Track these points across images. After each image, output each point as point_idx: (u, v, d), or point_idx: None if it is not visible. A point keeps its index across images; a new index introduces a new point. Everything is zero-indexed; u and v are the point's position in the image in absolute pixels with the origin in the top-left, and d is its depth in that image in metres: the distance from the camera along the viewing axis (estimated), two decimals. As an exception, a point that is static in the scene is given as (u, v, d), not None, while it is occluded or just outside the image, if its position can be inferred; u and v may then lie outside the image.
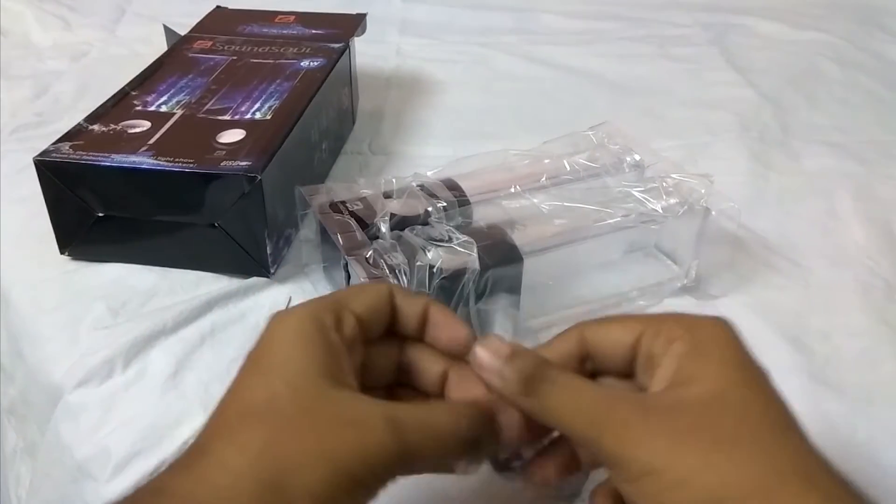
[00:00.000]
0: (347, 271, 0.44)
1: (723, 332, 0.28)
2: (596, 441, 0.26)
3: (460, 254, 0.41)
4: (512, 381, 0.27)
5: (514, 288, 0.43)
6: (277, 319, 0.28)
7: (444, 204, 0.46)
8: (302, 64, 0.60)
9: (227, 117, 0.52)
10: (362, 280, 0.40)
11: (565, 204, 0.47)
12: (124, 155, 0.48)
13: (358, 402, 0.26)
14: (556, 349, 0.30)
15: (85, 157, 0.47)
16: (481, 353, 0.28)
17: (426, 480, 0.37)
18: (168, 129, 0.51)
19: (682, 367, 0.26)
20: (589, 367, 0.30)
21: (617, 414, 0.26)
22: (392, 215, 0.44)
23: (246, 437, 0.24)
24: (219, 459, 0.24)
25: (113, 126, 0.51)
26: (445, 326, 0.30)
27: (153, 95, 0.55)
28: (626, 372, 0.29)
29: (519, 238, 0.44)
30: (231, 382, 0.27)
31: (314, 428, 0.24)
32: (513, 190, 0.49)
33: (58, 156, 0.48)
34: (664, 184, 0.48)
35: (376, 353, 0.30)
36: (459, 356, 0.30)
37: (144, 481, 0.24)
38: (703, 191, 0.48)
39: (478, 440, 0.27)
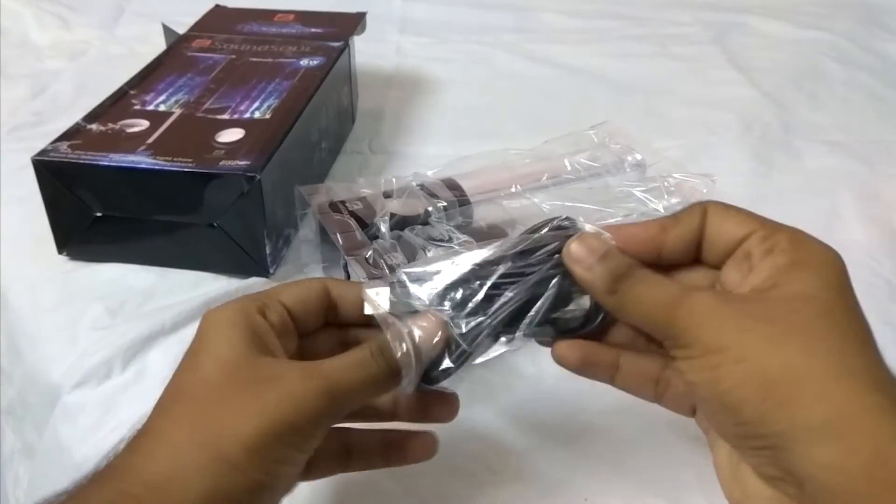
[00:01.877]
0: (347, 271, 0.44)
1: (829, 255, 0.27)
2: (667, 325, 0.27)
3: (460, 254, 0.41)
4: (600, 278, 0.28)
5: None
6: (208, 314, 0.29)
7: (445, 204, 0.46)
8: (301, 63, 0.60)
9: (225, 116, 0.52)
10: (362, 280, 0.40)
11: (566, 203, 0.47)
12: (122, 154, 0.47)
13: (281, 362, 0.28)
14: (681, 223, 0.30)
15: (83, 157, 0.47)
16: (576, 248, 0.29)
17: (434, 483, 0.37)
18: (167, 129, 0.51)
19: (773, 276, 0.26)
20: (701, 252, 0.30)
21: (689, 300, 0.27)
22: (392, 215, 0.44)
23: (180, 411, 0.27)
24: (159, 436, 0.26)
25: (111, 125, 0.51)
26: None
27: (152, 94, 0.55)
28: (718, 262, 0.29)
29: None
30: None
31: (240, 389, 0.26)
32: (513, 189, 0.49)
33: (56, 155, 0.48)
34: (666, 183, 0.48)
35: (321, 343, 0.32)
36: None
37: (97, 465, 0.26)
38: (704, 190, 0.47)
39: (392, 364, 0.28)
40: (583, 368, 0.31)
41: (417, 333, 0.28)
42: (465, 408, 0.41)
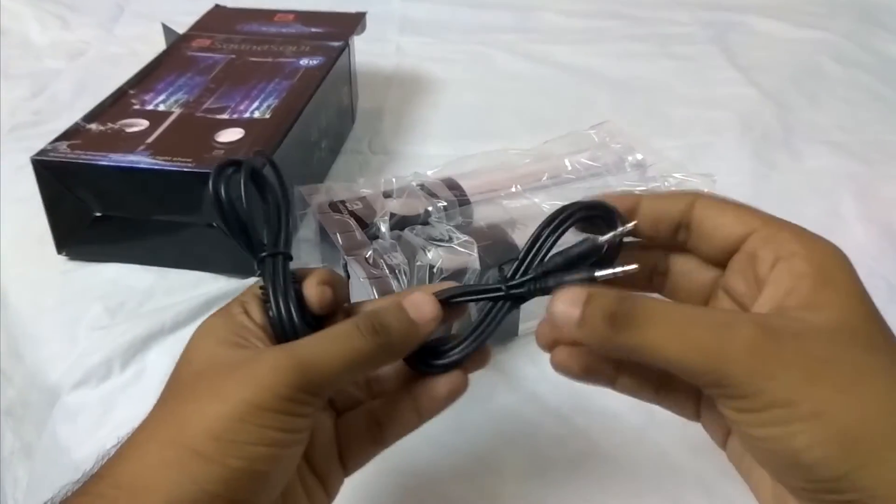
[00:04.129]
0: (347, 271, 0.44)
1: (844, 262, 0.26)
2: (717, 373, 0.23)
3: (460, 254, 0.41)
4: (595, 323, 0.24)
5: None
6: (199, 326, 0.29)
7: (445, 203, 0.46)
8: (301, 62, 0.60)
9: (225, 116, 0.52)
10: (361, 280, 0.40)
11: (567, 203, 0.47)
12: (122, 154, 0.47)
13: (252, 350, 0.27)
14: (662, 205, 0.28)
15: (83, 157, 0.47)
16: (557, 308, 0.25)
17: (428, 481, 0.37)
18: (166, 128, 0.51)
19: (802, 291, 0.25)
20: (680, 237, 0.28)
21: (741, 342, 0.23)
22: (392, 215, 0.44)
23: (152, 414, 0.27)
24: (132, 440, 0.26)
25: (111, 125, 0.51)
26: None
27: (151, 94, 0.55)
28: (716, 260, 0.28)
29: (519, 238, 0.44)
30: None
31: (205, 381, 0.26)
32: (513, 189, 0.49)
33: (55, 155, 0.48)
34: (666, 183, 0.48)
35: None
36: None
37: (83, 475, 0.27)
38: (705, 190, 0.47)
39: (388, 330, 0.27)
40: (584, 377, 0.29)
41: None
42: (465, 408, 0.41)
